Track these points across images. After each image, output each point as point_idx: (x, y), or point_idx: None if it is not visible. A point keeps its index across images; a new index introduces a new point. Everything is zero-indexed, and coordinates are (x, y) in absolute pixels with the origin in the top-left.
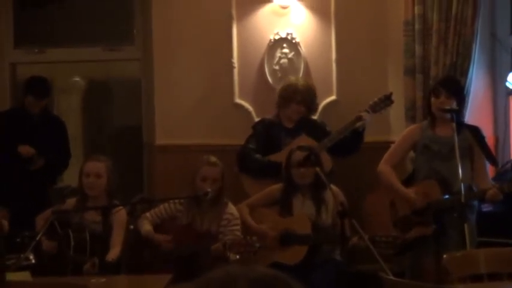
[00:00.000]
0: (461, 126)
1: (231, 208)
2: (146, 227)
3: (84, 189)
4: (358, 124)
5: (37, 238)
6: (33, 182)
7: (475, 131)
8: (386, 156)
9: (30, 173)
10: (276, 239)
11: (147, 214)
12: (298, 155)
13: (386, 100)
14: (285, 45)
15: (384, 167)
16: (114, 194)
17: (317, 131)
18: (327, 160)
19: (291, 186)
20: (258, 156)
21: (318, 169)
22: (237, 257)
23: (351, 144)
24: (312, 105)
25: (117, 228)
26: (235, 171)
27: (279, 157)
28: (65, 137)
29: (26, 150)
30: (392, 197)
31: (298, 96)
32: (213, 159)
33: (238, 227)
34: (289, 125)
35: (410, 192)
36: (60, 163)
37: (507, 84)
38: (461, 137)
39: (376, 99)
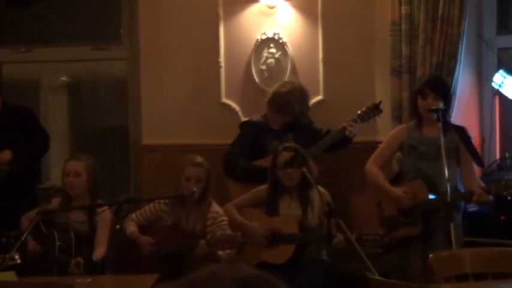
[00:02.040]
0: (447, 126)
1: (215, 207)
2: (131, 228)
3: (65, 189)
4: (347, 133)
5: (22, 238)
6: (19, 180)
7: (462, 131)
8: (373, 156)
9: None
10: (265, 236)
11: (133, 215)
12: (285, 156)
13: (375, 110)
14: (272, 45)
15: (371, 167)
16: (96, 192)
17: (304, 132)
18: (313, 168)
19: (277, 188)
20: (243, 161)
21: (304, 169)
22: (228, 252)
23: (338, 147)
24: (301, 117)
25: (101, 228)
26: (221, 172)
27: (265, 162)
28: (35, 122)
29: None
30: (379, 197)
31: (289, 110)
32: (198, 159)
33: (225, 222)
34: (276, 127)
35: (398, 191)
36: (41, 147)
37: (493, 84)
38: (448, 138)
39: (364, 108)
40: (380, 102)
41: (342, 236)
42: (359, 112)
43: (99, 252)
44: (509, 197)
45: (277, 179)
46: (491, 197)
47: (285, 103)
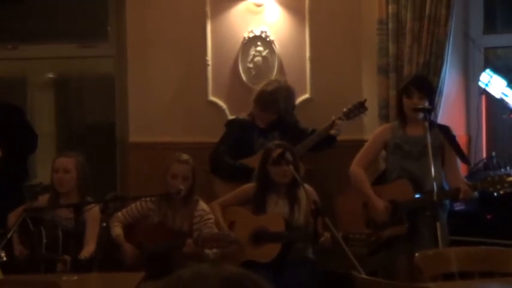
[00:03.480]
0: (432, 125)
1: (202, 205)
2: (116, 230)
3: (54, 186)
4: (332, 131)
5: (8, 236)
6: (5, 178)
7: (446, 130)
8: (358, 157)
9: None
10: (248, 240)
11: (119, 214)
12: (279, 152)
13: (360, 107)
14: (259, 43)
15: (355, 168)
16: (85, 189)
17: (290, 130)
18: (300, 166)
19: (265, 185)
20: (229, 159)
21: (291, 167)
22: (215, 251)
23: (324, 146)
24: (286, 115)
25: (90, 226)
26: (207, 170)
27: (252, 162)
28: (24, 121)
29: None
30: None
31: (275, 108)
32: (183, 156)
33: (212, 221)
34: (263, 125)
35: (380, 203)
36: (28, 147)
37: (480, 83)
38: (433, 136)
39: (350, 105)
40: (365, 100)
41: (329, 233)
42: (344, 110)
43: (88, 250)
44: (495, 193)
45: (267, 176)
46: (476, 193)
47: (271, 101)
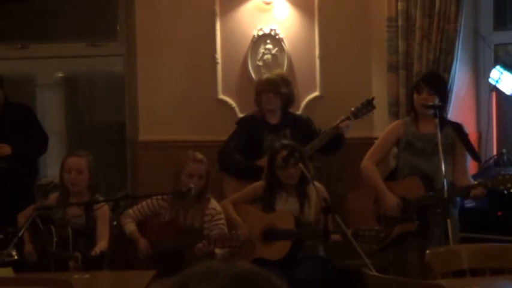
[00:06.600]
0: (444, 122)
1: (214, 203)
2: (131, 227)
3: (65, 185)
4: (340, 131)
5: (19, 234)
6: (16, 178)
7: (458, 127)
8: (369, 152)
9: (12, 169)
10: (258, 238)
11: (130, 211)
12: (283, 155)
13: (369, 106)
14: (268, 41)
15: (367, 163)
16: (96, 188)
17: (302, 127)
18: (309, 165)
19: (274, 184)
20: (238, 156)
21: (301, 165)
22: (224, 250)
23: (332, 146)
24: (282, 93)
25: (101, 222)
26: (217, 168)
27: (262, 161)
28: (35, 122)
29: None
30: (376, 194)
31: (261, 87)
32: (199, 156)
33: (222, 221)
34: (273, 121)
35: (392, 199)
36: (39, 148)
37: (490, 80)
38: (444, 134)
39: (358, 104)
40: (373, 98)
41: (338, 235)
42: (352, 109)
43: (101, 246)
44: (505, 192)
45: (275, 176)
46: (484, 190)
47: (258, 84)
